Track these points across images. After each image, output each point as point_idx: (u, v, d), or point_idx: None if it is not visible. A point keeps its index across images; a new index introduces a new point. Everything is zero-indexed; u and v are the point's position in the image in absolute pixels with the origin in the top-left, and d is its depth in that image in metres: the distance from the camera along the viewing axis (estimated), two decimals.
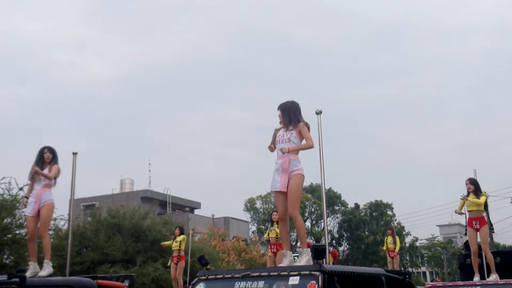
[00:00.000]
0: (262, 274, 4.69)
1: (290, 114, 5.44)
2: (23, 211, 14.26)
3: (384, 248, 15.22)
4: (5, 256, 14.11)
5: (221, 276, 4.94)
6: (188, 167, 66.87)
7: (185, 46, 72.45)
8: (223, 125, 71.02)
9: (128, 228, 18.26)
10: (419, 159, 77.78)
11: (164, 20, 74.30)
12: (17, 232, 14.27)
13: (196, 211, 39.71)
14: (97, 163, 57.11)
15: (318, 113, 5.88)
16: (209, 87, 72.37)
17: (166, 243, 12.98)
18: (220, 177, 67.29)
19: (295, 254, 6.00)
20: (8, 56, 64.65)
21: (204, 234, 27.91)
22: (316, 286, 4.28)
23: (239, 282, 4.68)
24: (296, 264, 4.97)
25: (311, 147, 5.35)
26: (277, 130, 5.48)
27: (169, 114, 71.46)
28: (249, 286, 4.66)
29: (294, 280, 4.44)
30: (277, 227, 10.74)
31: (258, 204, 45.52)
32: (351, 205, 47.14)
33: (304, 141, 5.42)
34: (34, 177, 6.86)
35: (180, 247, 12.36)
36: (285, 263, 5.02)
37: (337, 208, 46.24)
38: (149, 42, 70.40)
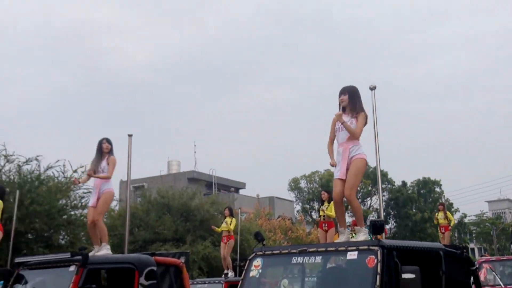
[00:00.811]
0: (319, 249, 4.65)
1: (356, 99, 5.24)
2: (77, 193, 14.76)
3: (435, 223, 14.95)
4: (61, 237, 14.66)
5: (277, 251, 4.95)
6: (232, 148, 67.51)
7: (222, 28, 72.36)
8: (265, 106, 70.94)
9: (177, 208, 18.68)
10: (468, 135, 75.35)
11: (203, 3, 74.35)
12: (72, 213, 14.79)
13: (241, 191, 40.13)
14: (145, 145, 58.50)
15: (372, 88, 5.73)
16: (248, 68, 72.31)
17: (218, 228, 13.02)
18: (264, 157, 67.56)
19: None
20: (52, 43, 66.56)
21: (250, 213, 28.23)
22: (375, 260, 4.21)
23: (296, 257, 4.67)
24: (354, 240, 4.92)
25: (355, 134, 5.12)
26: (339, 115, 5.19)
27: (212, 97, 72.01)
28: (306, 261, 4.65)
29: (352, 255, 4.39)
30: (327, 206, 10.72)
31: (303, 184, 45.49)
32: (398, 183, 46.41)
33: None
34: (93, 169, 7.01)
35: (229, 227, 12.49)
36: (342, 239, 4.97)
37: (383, 186, 45.60)
38: (189, 26, 70.83)
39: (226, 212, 12.67)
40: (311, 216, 43.35)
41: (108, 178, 6.95)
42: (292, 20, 73.07)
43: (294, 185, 45.34)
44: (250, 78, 72.33)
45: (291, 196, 45.19)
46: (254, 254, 4.93)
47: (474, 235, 54.56)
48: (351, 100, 5.22)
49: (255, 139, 69.34)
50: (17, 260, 6.17)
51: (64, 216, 14.28)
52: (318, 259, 4.63)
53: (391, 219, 46.91)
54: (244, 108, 69.67)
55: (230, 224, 12.25)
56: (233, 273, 11.62)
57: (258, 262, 4.83)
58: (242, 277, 4.94)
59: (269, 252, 4.92)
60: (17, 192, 9.91)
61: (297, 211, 44.08)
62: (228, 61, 73.58)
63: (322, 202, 11.07)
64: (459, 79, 78.25)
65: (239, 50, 73.01)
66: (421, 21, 76.11)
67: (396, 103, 72.36)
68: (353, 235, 5.42)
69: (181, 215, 18.67)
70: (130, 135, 7.50)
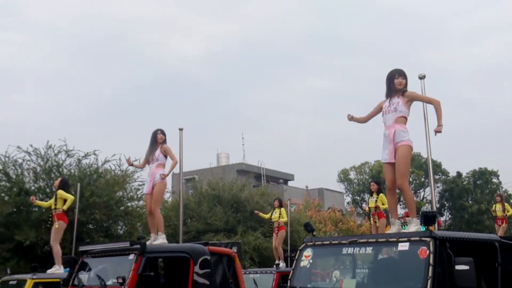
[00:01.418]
0: (370, 240, 4.68)
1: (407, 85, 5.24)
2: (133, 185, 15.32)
3: (493, 215, 14.51)
4: (119, 227, 15.30)
5: (328, 242, 5.01)
6: (280, 139, 67.48)
7: (267, 18, 72.13)
8: (312, 95, 70.37)
9: (227, 199, 19.02)
10: None
11: None
12: (129, 204, 15.41)
13: (290, 183, 40.19)
14: (195, 138, 59.64)
15: (422, 77, 5.68)
16: (294, 58, 71.73)
17: (263, 215, 13.22)
18: (312, 149, 67.18)
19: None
20: (102, 39, 68.63)
21: (300, 205, 28.27)
22: (428, 252, 4.19)
23: (347, 248, 4.72)
24: (405, 231, 4.91)
25: (432, 101, 5.21)
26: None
27: (258, 88, 72.20)
28: (357, 252, 4.69)
29: (403, 246, 4.38)
30: (376, 198, 10.66)
31: (352, 175, 44.99)
32: (452, 173, 45.03)
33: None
34: (148, 158, 7.32)
35: (280, 218, 12.62)
36: (393, 230, 4.97)
37: (437, 177, 44.34)
38: (233, 18, 71.12)
39: (276, 203, 12.79)
40: (361, 207, 42.91)
41: (176, 163, 7.30)
42: (332, 9, 71.81)
43: (344, 177, 44.92)
44: (298, 68, 71.95)
45: (340, 187, 44.86)
46: (304, 245, 5.02)
47: None
48: (406, 86, 5.21)
49: (303, 130, 69.12)
50: (81, 248, 6.57)
51: (122, 207, 14.90)
52: (369, 250, 4.66)
53: (446, 211, 45.61)
54: (292, 99, 69.52)
55: (280, 215, 12.37)
56: (284, 264, 11.77)
57: (308, 252, 4.92)
58: (293, 267, 5.05)
59: (319, 243, 4.99)
60: (78, 185, 10.46)
61: (347, 203, 43.70)
62: (275, 52, 73.46)
63: (371, 194, 11.00)
64: None
65: (286, 40, 72.70)
66: (470, 3, 72.87)
67: (451, 91, 69.91)
68: (404, 226, 5.41)
69: (232, 206, 19.00)
70: (181, 129, 7.76)
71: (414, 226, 4.95)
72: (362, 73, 65.39)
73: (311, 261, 4.91)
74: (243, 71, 72.23)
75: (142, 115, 66.57)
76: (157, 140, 7.31)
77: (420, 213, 4.64)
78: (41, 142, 16.76)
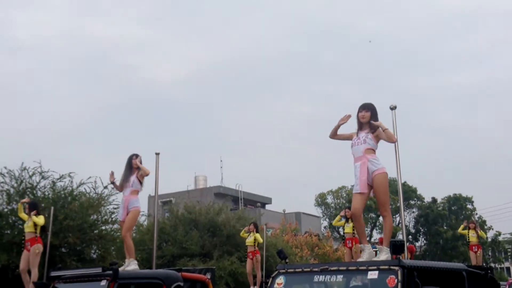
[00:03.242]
0: (341, 268, 4.76)
1: (376, 118, 5.40)
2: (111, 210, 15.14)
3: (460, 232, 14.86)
4: (93, 251, 15.04)
5: (300, 269, 5.07)
6: (258, 163, 67.63)
7: (247, 42, 73.11)
8: (291, 119, 71.02)
9: (204, 223, 18.90)
10: (501, 149, 73.31)
11: (224, 17, 75.33)
12: (103, 228, 15.18)
13: (267, 207, 40.15)
14: (172, 161, 59.34)
15: (393, 108, 5.84)
16: (274, 82, 72.63)
17: (244, 233, 13.18)
18: (290, 172, 67.42)
19: (375, 249, 6.03)
20: (81, 60, 68.35)
21: (276, 229, 28.23)
22: (396, 281, 4.29)
23: (318, 276, 4.79)
24: (376, 259, 5.00)
25: (392, 138, 5.33)
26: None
27: (237, 111, 72.61)
28: (328, 280, 4.76)
29: (373, 274, 4.48)
30: (352, 223, 10.78)
31: (329, 199, 45.26)
32: (427, 199, 45.67)
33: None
34: (122, 184, 7.34)
35: (255, 242, 12.63)
36: (364, 257, 5.06)
37: (412, 202, 44.90)
38: (212, 40, 71.79)
39: (251, 227, 12.80)
40: (338, 232, 43.03)
41: (146, 174, 7.31)
42: (313, 34, 73.26)
43: (321, 201, 45.16)
44: (276, 93, 72.72)
45: (318, 211, 45.01)
46: (277, 272, 5.08)
47: (509, 254, 53.02)
48: (372, 118, 5.38)
49: (281, 154, 69.44)
50: (53, 274, 6.48)
51: (96, 231, 14.65)
52: (340, 278, 4.74)
53: (421, 236, 46.08)
54: (270, 123, 70.00)
55: (255, 240, 12.39)
56: None
57: (281, 280, 4.97)
58: None
59: (292, 270, 5.05)
60: (52, 208, 10.33)
61: (324, 227, 43.81)
62: (254, 76, 74.29)
63: (347, 220, 11.13)
64: (489, 90, 76.57)
65: (265, 65, 73.63)
66: (445, 32, 75.22)
67: (427, 117, 71.39)
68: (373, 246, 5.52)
69: (208, 230, 18.87)
70: (157, 154, 7.78)
71: (385, 254, 5.05)
72: (342, 99, 66.51)
73: None
74: (223, 94, 72.67)
75: (119, 137, 66.14)
76: (132, 165, 7.34)
77: (397, 239, 4.76)
78: (15, 163, 16.44)
